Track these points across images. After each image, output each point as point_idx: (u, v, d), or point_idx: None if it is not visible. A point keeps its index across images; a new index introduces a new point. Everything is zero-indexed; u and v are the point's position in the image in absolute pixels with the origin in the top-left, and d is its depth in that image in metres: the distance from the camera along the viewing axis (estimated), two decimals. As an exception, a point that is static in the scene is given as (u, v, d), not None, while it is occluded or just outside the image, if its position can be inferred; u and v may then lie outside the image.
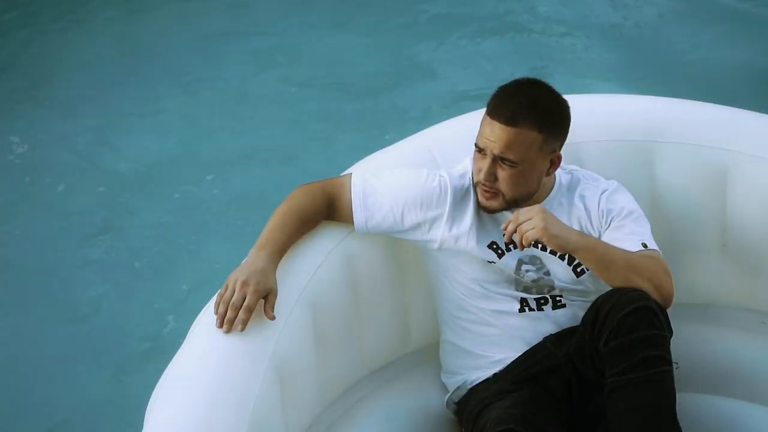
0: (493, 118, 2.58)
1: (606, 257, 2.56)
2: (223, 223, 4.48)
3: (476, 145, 2.62)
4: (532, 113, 2.57)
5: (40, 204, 4.62)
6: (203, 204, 4.59)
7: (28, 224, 4.52)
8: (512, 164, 2.58)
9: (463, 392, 2.72)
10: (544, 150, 2.60)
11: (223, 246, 4.29)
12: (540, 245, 2.63)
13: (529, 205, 2.60)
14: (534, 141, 2.57)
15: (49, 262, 4.32)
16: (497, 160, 2.58)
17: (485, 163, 2.59)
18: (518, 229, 2.54)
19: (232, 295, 2.44)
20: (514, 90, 2.62)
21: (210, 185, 4.70)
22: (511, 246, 2.66)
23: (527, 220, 2.53)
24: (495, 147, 2.57)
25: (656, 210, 2.89)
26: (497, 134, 2.56)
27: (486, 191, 2.62)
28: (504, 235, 2.59)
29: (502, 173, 2.59)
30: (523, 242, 2.53)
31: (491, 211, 2.66)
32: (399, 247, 2.77)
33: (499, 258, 2.66)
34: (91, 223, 4.49)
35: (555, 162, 2.65)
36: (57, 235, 4.45)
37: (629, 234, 2.63)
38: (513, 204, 2.62)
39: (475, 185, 2.66)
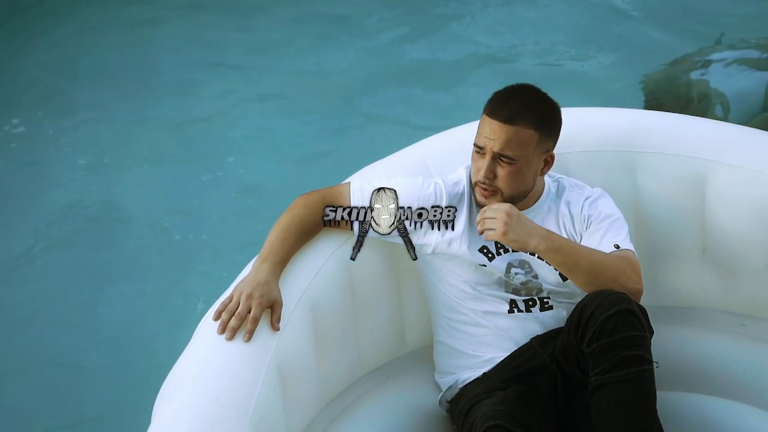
0: (493, 118, 2.68)
1: (569, 259, 2.65)
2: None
3: (476, 144, 2.71)
4: (529, 113, 2.68)
5: (60, 189, 4.70)
6: (225, 188, 4.67)
7: (45, 209, 4.59)
8: (510, 161, 2.67)
9: (455, 391, 2.80)
10: (539, 148, 2.70)
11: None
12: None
13: (525, 205, 2.72)
14: (531, 139, 2.68)
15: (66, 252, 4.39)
16: (496, 157, 2.68)
17: (485, 162, 2.69)
18: (482, 223, 2.65)
19: (237, 306, 2.53)
20: (511, 93, 2.72)
21: (232, 167, 4.78)
22: (501, 250, 2.76)
23: (492, 219, 2.62)
24: (495, 145, 2.67)
25: (638, 217, 2.97)
26: (497, 132, 2.67)
27: (485, 189, 2.71)
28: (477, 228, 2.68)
29: (501, 171, 2.68)
30: (486, 238, 2.65)
31: None
32: (395, 253, 2.84)
33: (490, 261, 2.75)
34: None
35: (549, 162, 2.75)
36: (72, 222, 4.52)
37: (603, 237, 2.73)
38: (510, 201, 2.70)
39: (473, 186, 2.74)
